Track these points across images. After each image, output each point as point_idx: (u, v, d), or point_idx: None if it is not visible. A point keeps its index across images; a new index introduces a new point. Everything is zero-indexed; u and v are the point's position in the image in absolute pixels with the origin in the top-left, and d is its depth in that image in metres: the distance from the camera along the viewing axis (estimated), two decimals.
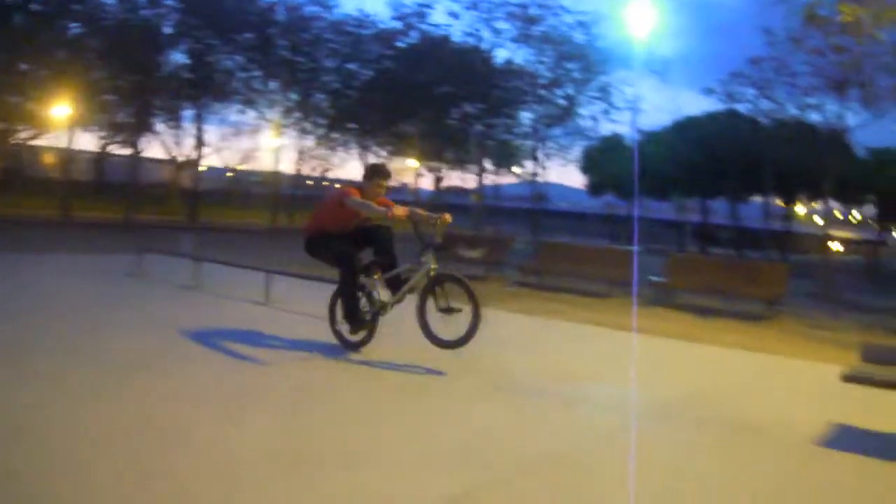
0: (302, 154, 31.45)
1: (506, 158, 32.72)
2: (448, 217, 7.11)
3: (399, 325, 7.43)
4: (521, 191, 38.68)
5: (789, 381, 7.50)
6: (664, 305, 12.32)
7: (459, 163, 32.73)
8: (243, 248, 18.06)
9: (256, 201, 37.15)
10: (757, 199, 43.80)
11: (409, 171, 35.10)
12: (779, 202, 44.13)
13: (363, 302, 7.06)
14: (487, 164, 32.80)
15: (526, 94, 28.36)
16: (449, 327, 6.69)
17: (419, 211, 7.28)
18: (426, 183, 38.28)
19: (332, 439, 4.52)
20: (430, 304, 6.84)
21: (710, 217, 48.50)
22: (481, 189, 32.94)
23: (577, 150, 35.63)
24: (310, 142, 30.83)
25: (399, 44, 27.85)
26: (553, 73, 28.07)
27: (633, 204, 40.61)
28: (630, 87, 28.78)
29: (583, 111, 29.43)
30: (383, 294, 7.03)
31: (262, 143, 34.77)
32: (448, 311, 6.74)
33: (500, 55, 29.11)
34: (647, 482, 4.14)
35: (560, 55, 27.59)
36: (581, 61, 27.72)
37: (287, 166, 34.25)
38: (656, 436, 5.08)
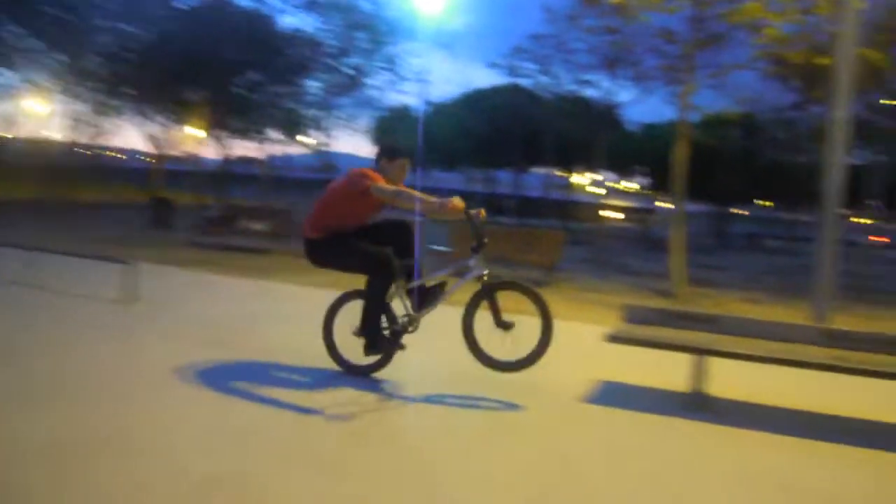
0: (75, 121, 29.12)
1: (293, 128, 32.05)
2: (483, 212, 5.89)
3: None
4: (311, 161, 38.23)
5: (561, 342, 7.85)
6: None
7: (245, 132, 31.68)
8: (16, 224, 16.45)
9: (19, 172, 34.04)
10: (539, 169, 45.95)
11: (193, 140, 33.61)
12: (559, 172, 46.46)
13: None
14: (275, 134, 32.03)
15: (312, 62, 27.87)
16: (504, 345, 5.53)
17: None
18: (211, 153, 36.85)
19: None
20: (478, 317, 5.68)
21: (495, 187, 50.33)
22: (269, 159, 32.16)
23: (366, 121, 35.63)
24: (83, 108, 28.58)
25: (178, 5, 26.41)
26: (340, 41, 27.75)
27: (421, 174, 41.31)
28: (418, 58, 29.06)
29: (371, 81, 29.39)
30: (407, 307, 5.84)
31: (28, 109, 31.85)
32: (507, 326, 5.56)
33: (287, 22, 28.45)
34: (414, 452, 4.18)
35: (347, 24, 27.30)
36: (369, 31, 27.58)
37: (59, 134, 31.68)
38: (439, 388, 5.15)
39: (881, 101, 23.14)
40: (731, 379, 5.83)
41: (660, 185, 48.02)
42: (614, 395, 5.73)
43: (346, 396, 5.25)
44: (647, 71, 18.92)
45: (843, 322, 9.35)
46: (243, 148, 35.57)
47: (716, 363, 5.47)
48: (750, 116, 33.09)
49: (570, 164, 42.31)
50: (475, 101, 39.72)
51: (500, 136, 38.21)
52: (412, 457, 4.16)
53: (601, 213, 30.38)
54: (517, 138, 37.78)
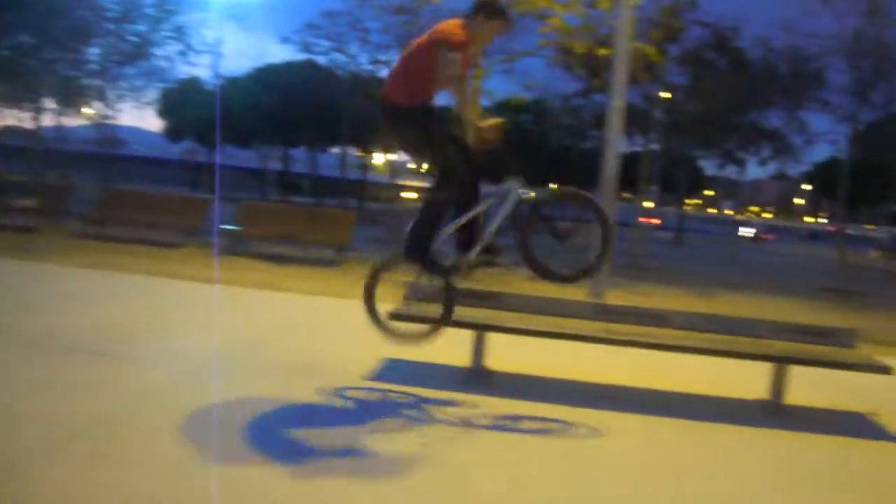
0: None
1: (71, 97, 29.75)
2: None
3: None
4: (91, 134, 35.68)
5: (349, 322, 7.76)
6: (238, 254, 12.16)
7: (15, 100, 29.01)
8: None
9: None
10: (336, 149, 45.60)
11: None
12: (356, 152, 46.37)
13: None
14: (49, 103, 29.55)
15: (92, 26, 25.92)
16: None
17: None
18: None
19: None
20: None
21: (291, 166, 49.48)
22: (40, 130, 29.63)
23: (153, 93, 33.74)
24: None
25: None
26: (122, 6, 26.00)
27: (215, 151, 39.90)
28: (209, 29, 27.88)
29: (158, 51, 27.83)
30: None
31: None
32: (562, 235, 4.96)
33: None
34: (200, 434, 3.97)
35: None
36: None
37: None
38: (214, 386, 4.92)
39: (660, 94, 24.92)
40: (512, 354, 6.00)
41: None
42: (397, 372, 5.73)
43: None
44: None
45: (618, 298, 9.94)
46: (14, 118, 32.65)
47: (499, 339, 5.61)
48: (540, 103, 34.54)
49: (367, 145, 42.32)
50: (269, 77, 38.69)
51: (295, 113, 37.51)
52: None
53: (397, 193, 30.64)
54: (313, 116, 37.26)
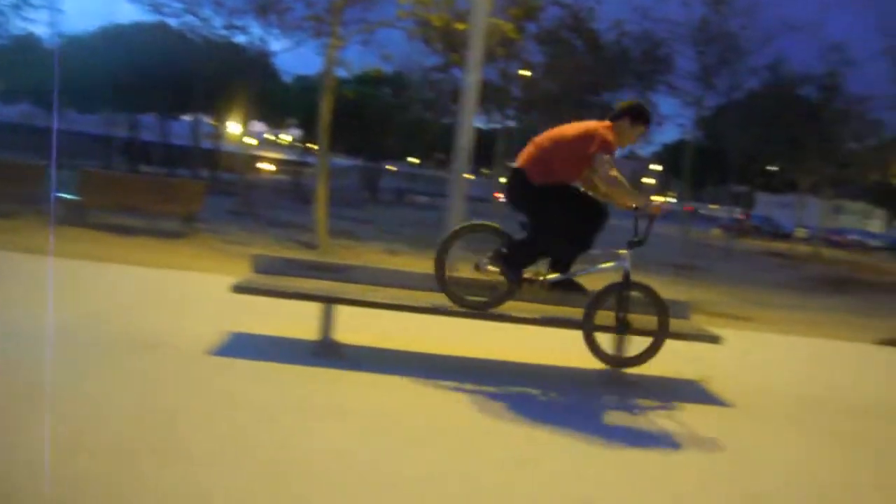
0: None
1: None
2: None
3: None
4: None
5: (193, 295, 7.53)
6: (78, 225, 11.53)
7: None
8: None
9: None
10: (187, 116, 43.83)
11: None
12: (209, 121, 44.67)
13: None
14: None
15: None
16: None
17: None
18: None
19: None
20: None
21: (139, 133, 47.23)
22: None
23: None
24: None
25: None
26: None
27: (54, 115, 37.50)
28: None
29: None
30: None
31: None
32: (627, 323, 5.33)
33: None
34: (21, 411, 3.72)
35: None
36: None
37: None
38: (41, 361, 4.63)
39: (519, 72, 25.31)
40: (361, 326, 5.97)
41: (312, 138, 48.48)
42: (243, 346, 5.58)
43: None
44: (296, 21, 18.79)
45: (469, 271, 10.07)
46: None
47: (349, 312, 5.55)
48: (400, 76, 34.41)
49: (221, 113, 40.86)
50: (116, 38, 36.51)
51: (144, 78, 35.67)
52: None
53: (253, 164, 29.85)
54: (164, 82, 35.63)
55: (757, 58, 27.38)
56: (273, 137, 62.75)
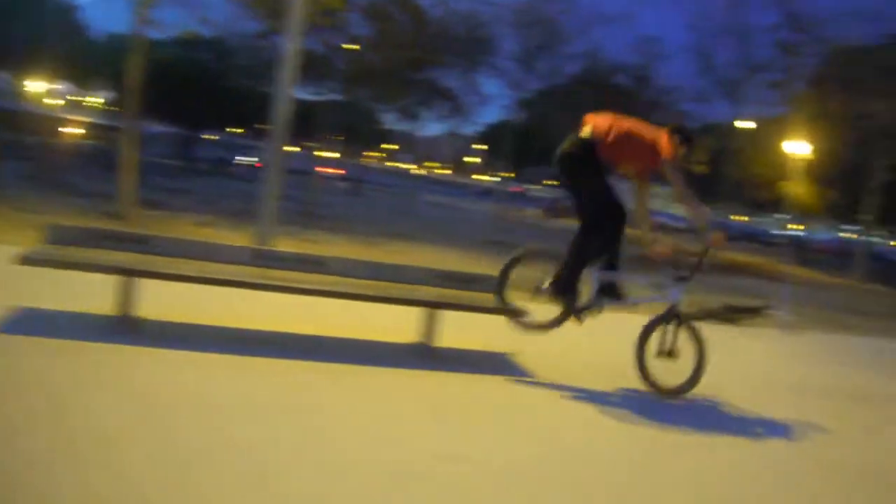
0: None
1: None
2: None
3: None
4: None
5: None
6: None
7: None
8: None
9: None
10: None
11: None
12: (6, 77, 41.09)
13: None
14: None
15: None
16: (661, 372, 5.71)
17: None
18: None
19: None
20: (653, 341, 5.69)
21: None
22: None
23: None
24: None
25: None
26: None
27: None
28: None
29: None
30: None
31: None
32: (671, 354, 5.65)
33: None
34: None
35: None
36: None
37: None
38: None
39: (343, 46, 24.95)
40: (165, 301, 5.69)
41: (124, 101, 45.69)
42: (32, 322, 5.17)
43: None
44: None
45: (288, 245, 9.88)
46: None
47: (152, 285, 5.26)
48: (222, 41, 33.11)
49: (19, 69, 37.69)
50: None
51: None
52: None
53: (58, 126, 27.80)
54: None
55: (575, 45, 28.56)
56: (81, 99, 58.69)
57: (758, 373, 7.37)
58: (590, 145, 5.48)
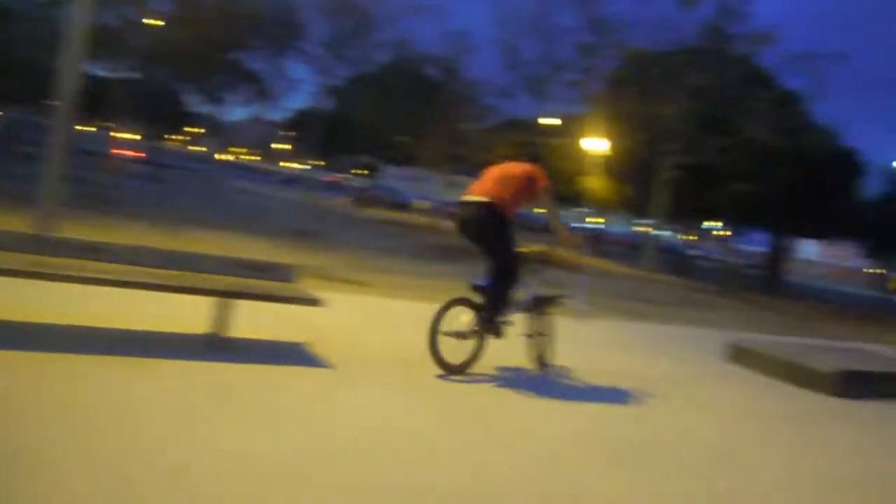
0: None
1: None
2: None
3: None
4: None
5: None
6: None
7: None
8: None
9: None
10: None
11: None
12: None
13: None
14: None
15: None
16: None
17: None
18: None
19: None
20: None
21: None
22: None
23: None
24: None
25: None
26: None
27: None
28: None
29: None
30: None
31: None
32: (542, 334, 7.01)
33: None
34: None
35: None
36: None
37: None
38: None
39: (144, 21, 23.65)
40: None
41: None
42: None
43: None
44: None
45: (76, 231, 9.22)
46: None
47: None
48: (6, 9, 30.59)
49: None
50: None
51: None
52: None
53: None
54: None
55: (385, 33, 28.65)
56: None
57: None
58: (491, 206, 6.14)
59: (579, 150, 26.55)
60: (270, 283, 5.84)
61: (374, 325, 7.97)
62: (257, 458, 3.75)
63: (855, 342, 13.96)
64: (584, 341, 9.15)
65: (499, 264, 6.25)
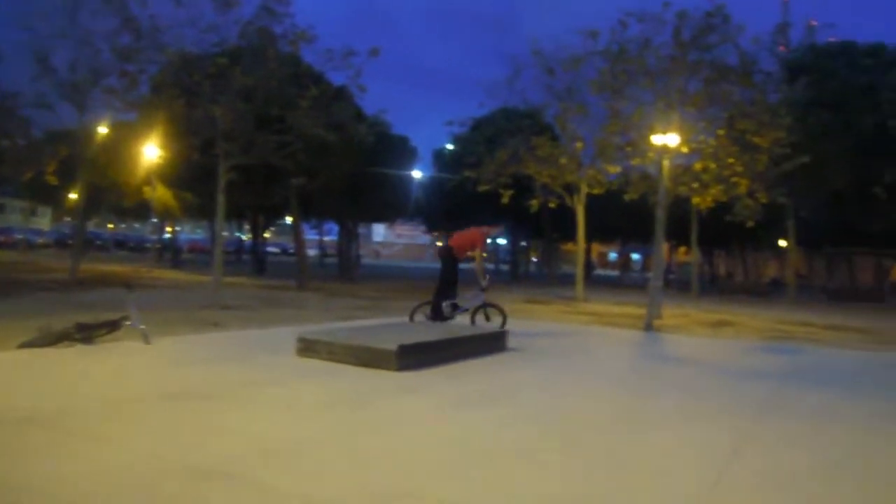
0: None
1: None
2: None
3: None
4: None
5: None
6: None
7: None
8: None
9: None
10: None
11: None
12: None
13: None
14: None
15: None
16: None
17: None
18: None
19: None
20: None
21: None
22: None
23: None
24: None
25: None
26: None
27: None
28: None
29: None
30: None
31: None
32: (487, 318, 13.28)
33: None
34: None
35: None
36: None
37: None
38: None
39: None
40: None
41: None
42: None
43: None
44: None
45: None
46: None
47: None
48: None
49: None
50: None
51: None
52: None
53: None
54: None
55: None
56: None
57: (100, 389, 7.08)
58: (452, 250, 13.12)
59: (135, 160, 25.26)
60: None
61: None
62: None
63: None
64: (142, 365, 8.59)
65: (443, 279, 13.33)
